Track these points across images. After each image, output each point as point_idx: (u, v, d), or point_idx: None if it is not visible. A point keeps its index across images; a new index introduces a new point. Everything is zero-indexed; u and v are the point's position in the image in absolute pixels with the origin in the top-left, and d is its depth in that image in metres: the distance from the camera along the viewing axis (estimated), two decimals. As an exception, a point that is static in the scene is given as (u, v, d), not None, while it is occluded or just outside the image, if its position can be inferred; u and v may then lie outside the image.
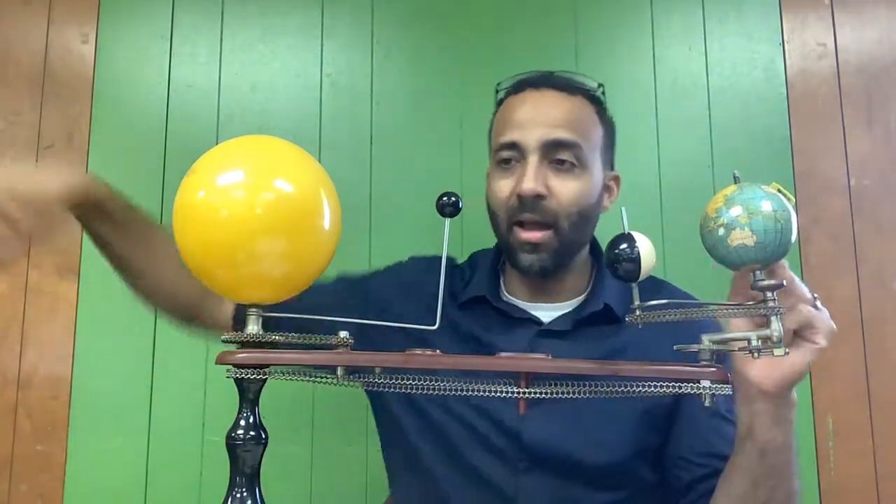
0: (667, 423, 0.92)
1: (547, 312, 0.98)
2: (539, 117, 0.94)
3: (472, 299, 1.00)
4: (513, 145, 0.94)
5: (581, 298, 0.99)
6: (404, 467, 1.01)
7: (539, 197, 0.91)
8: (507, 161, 0.95)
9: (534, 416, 0.89)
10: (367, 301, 1.02)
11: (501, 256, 1.03)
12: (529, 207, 0.92)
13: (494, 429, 0.92)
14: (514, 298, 1.01)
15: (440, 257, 1.06)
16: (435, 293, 0.97)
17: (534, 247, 0.93)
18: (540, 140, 0.92)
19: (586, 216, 0.95)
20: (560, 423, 0.90)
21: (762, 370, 0.69)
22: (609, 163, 1.00)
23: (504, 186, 0.95)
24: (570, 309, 0.98)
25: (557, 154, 0.92)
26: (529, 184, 0.90)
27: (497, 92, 1.03)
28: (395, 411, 0.98)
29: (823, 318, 0.69)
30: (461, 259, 1.11)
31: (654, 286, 1.00)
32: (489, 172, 1.01)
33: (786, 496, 0.77)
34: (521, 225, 0.93)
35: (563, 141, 0.92)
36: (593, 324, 0.96)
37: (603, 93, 1.00)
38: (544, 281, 0.97)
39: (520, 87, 0.99)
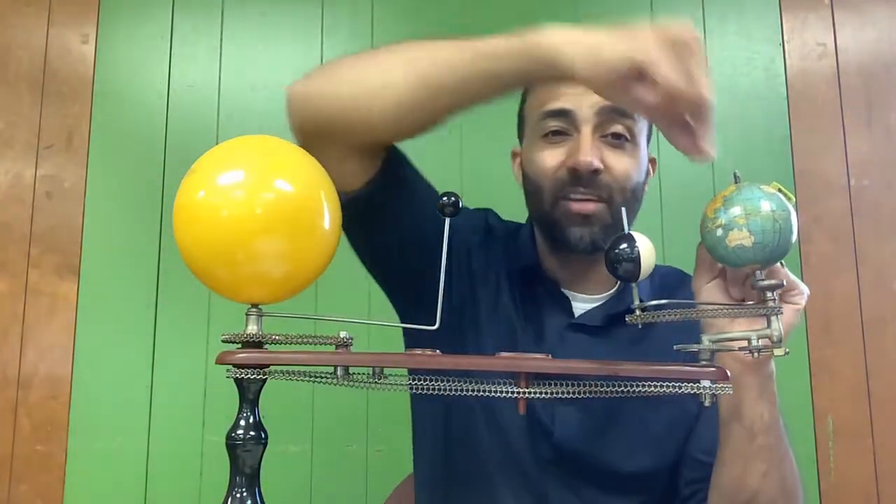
0: (689, 435, 0.90)
1: (579, 304, 0.94)
2: None
3: (526, 269, 0.94)
4: (564, 113, 0.87)
5: (612, 292, 0.95)
6: (441, 438, 0.96)
7: (595, 172, 0.85)
8: (555, 133, 0.88)
9: (565, 416, 0.88)
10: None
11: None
12: (584, 182, 0.85)
13: (532, 418, 0.89)
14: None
15: (513, 222, 1.02)
16: (497, 244, 0.95)
17: (585, 219, 0.86)
18: (595, 106, 0.86)
19: (637, 194, 0.90)
20: (589, 425, 0.88)
21: None
22: (648, 144, 0.96)
23: (550, 157, 0.88)
24: (602, 302, 0.94)
25: (612, 126, 0.87)
26: (587, 156, 0.84)
27: None
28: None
29: (799, 280, 0.69)
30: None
31: (679, 279, 0.97)
32: (524, 149, 0.95)
33: (779, 483, 0.74)
34: (568, 199, 0.87)
35: (619, 107, 0.85)
36: (624, 320, 0.92)
37: None
38: (586, 262, 0.91)
39: None
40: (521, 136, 0.98)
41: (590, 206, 0.86)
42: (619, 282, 0.95)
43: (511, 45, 0.68)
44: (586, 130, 0.86)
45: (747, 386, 0.71)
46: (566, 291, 0.94)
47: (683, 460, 0.89)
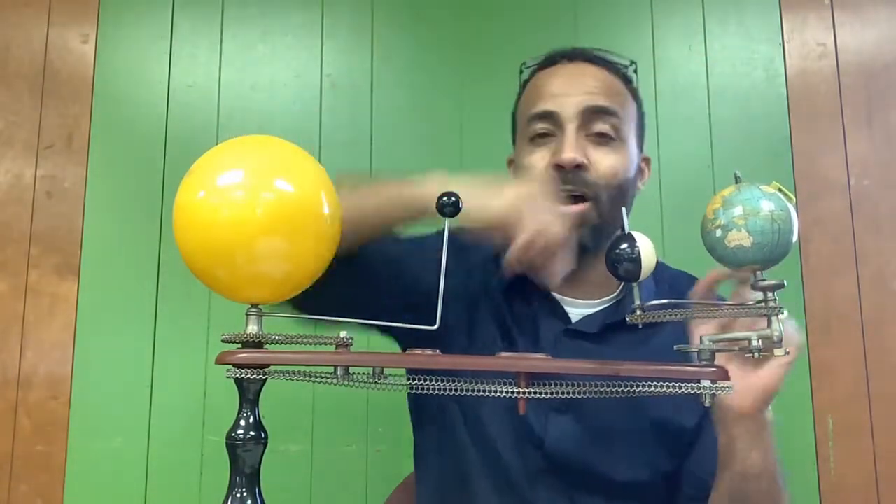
0: (688, 448, 0.89)
1: (575, 309, 0.93)
2: (575, 86, 0.89)
3: (514, 281, 0.93)
4: (548, 115, 0.88)
5: (612, 298, 0.94)
6: (436, 447, 0.97)
7: (579, 167, 0.86)
8: (541, 135, 0.90)
9: (558, 425, 0.87)
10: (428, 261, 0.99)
11: None
12: (569, 179, 0.86)
13: (522, 427, 0.89)
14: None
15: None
16: (476, 264, 0.96)
17: (572, 220, 0.85)
18: (578, 106, 0.87)
19: (625, 192, 0.90)
20: (582, 435, 0.87)
21: (737, 390, 0.69)
22: (640, 143, 0.96)
23: (538, 159, 0.89)
24: (600, 309, 0.93)
25: (595, 125, 0.88)
26: (569, 153, 0.85)
27: (522, 71, 0.98)
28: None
29: (794, 331, 0.68)
30: None
31: (688, 283, 0.96)
32: (515, 154, 0.95)
33: None
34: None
35: (603, 107, 0.88)
36: (623, 328, 0.88)
37: (635, 71, 0.96)
38: (580, 265, 0.90)
39: (551, 60, 0.94)
40: (514, 142, 0.98)
41: (576, 208, 0.87)
42: (620, 287, 0.95)
43: (398, 195, 0.82)
44: (570, 128, 0.88)
45: (738, 436, 0.72)
46: (564, 297, 0.94)
47: (686, 477, 0.88)
